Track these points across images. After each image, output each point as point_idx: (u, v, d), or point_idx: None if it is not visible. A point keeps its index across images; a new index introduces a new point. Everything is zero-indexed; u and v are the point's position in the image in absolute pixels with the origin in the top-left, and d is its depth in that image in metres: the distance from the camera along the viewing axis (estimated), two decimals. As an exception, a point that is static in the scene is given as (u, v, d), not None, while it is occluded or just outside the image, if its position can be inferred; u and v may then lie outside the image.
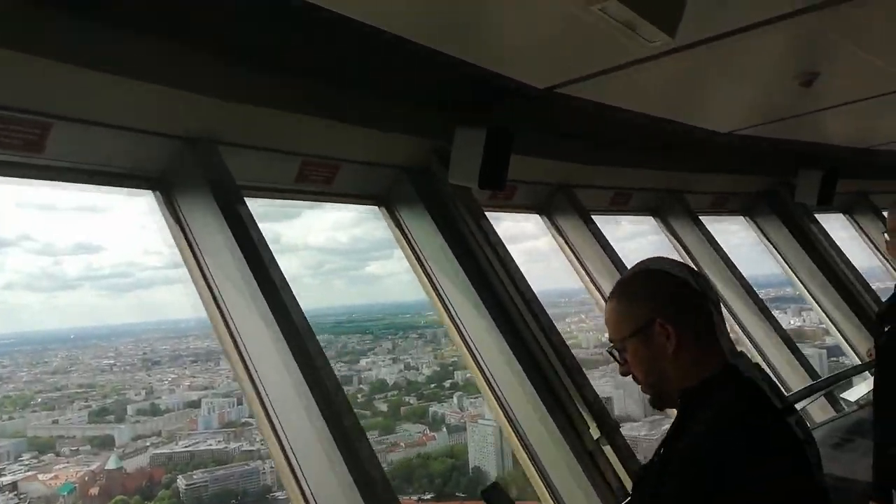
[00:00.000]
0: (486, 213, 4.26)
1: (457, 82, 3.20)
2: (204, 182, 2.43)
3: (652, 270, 1.40)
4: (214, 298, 2.33)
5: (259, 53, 2.59)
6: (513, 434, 2.99)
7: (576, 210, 4.36)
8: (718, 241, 5.03)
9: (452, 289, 3.25)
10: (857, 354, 5.00)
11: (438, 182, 3.38)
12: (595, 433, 2.86)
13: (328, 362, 2.28)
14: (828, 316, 5.15)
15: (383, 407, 11.48)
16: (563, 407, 2.95)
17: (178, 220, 2.43)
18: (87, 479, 8.59)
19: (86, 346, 10.80)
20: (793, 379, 4.49)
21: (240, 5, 2.34)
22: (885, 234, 2.20)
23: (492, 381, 3.09)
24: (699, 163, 4.94)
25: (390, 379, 11.93)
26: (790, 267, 5.40)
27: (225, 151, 2.58)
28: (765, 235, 5.54)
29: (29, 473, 8.33)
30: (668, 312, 1.33)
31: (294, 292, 2.40)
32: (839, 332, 5.17)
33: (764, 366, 4.59)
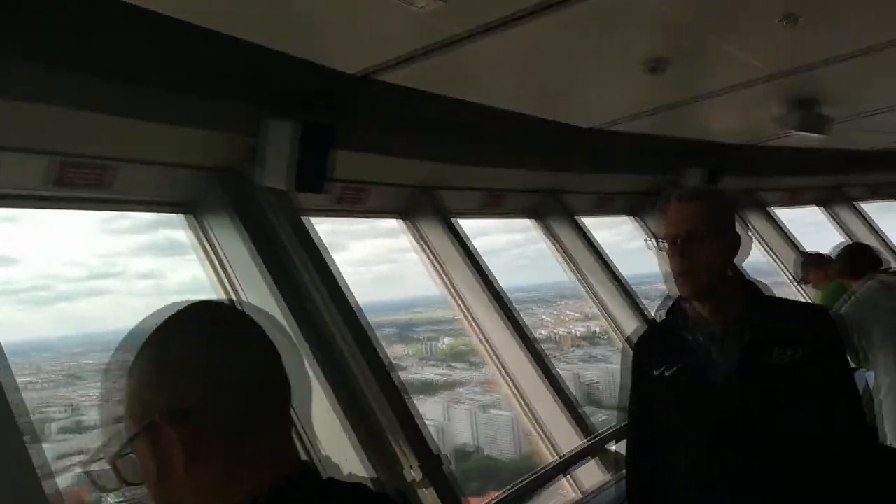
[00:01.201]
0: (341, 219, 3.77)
1: (264, 71, 2.68)
2: None
3: (178, 327, 0.79)
4: None
5: None
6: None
7: (438, 213, 3.86)
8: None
9: (261, 304, 2.70)
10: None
11: (252, 185, 2.83)
12: (409, 475, 2.34)
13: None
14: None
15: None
16: (377, 440, 2.42)
17: None
18: None
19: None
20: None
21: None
22: (650, 241, 1.63)
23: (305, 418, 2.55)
24: (578, 162, 4.50)
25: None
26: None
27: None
28: (650, 235, 5.13)
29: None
30: (179, 404, 0.75)
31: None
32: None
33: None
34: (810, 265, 4.22)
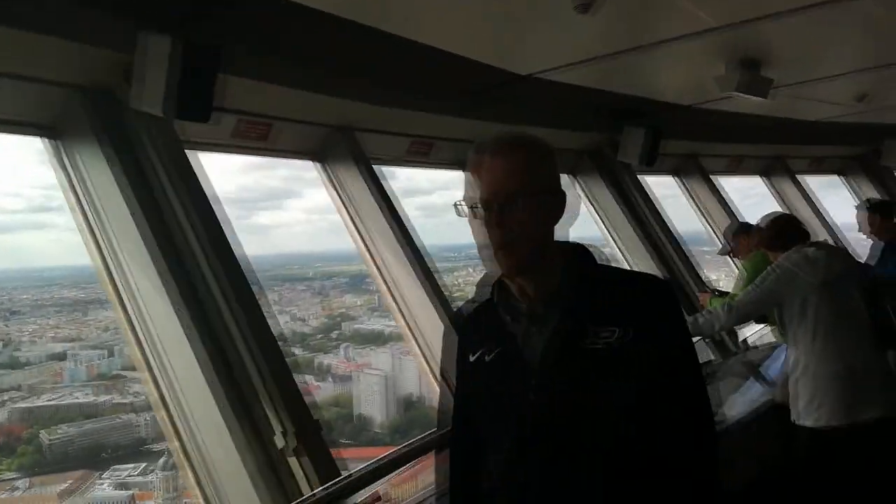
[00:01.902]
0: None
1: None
2: None
3: None
4: None
5: None
6: (183, 442, 2.20)
7: (356, 158, 3.55)
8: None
9: (130, 248, 2.38)
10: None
11: (128, 110, 2.46)
12: (280, 441, 2.10)
13: None
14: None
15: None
16: (248, 405, 2.17)
17: None
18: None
19: (-68, 296, 9.22)
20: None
21: None
22: (460, 205, 1.23)
23: (168, 370, 2.27)
24: (515, 114, 4.21)
25: (276, 330, 11.26)
26: (611, 228, 4.86)
27: None
28: (590, 195, 4.96)
29: None
30: None
31: None
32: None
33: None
34: (738, 235, 4.10)
